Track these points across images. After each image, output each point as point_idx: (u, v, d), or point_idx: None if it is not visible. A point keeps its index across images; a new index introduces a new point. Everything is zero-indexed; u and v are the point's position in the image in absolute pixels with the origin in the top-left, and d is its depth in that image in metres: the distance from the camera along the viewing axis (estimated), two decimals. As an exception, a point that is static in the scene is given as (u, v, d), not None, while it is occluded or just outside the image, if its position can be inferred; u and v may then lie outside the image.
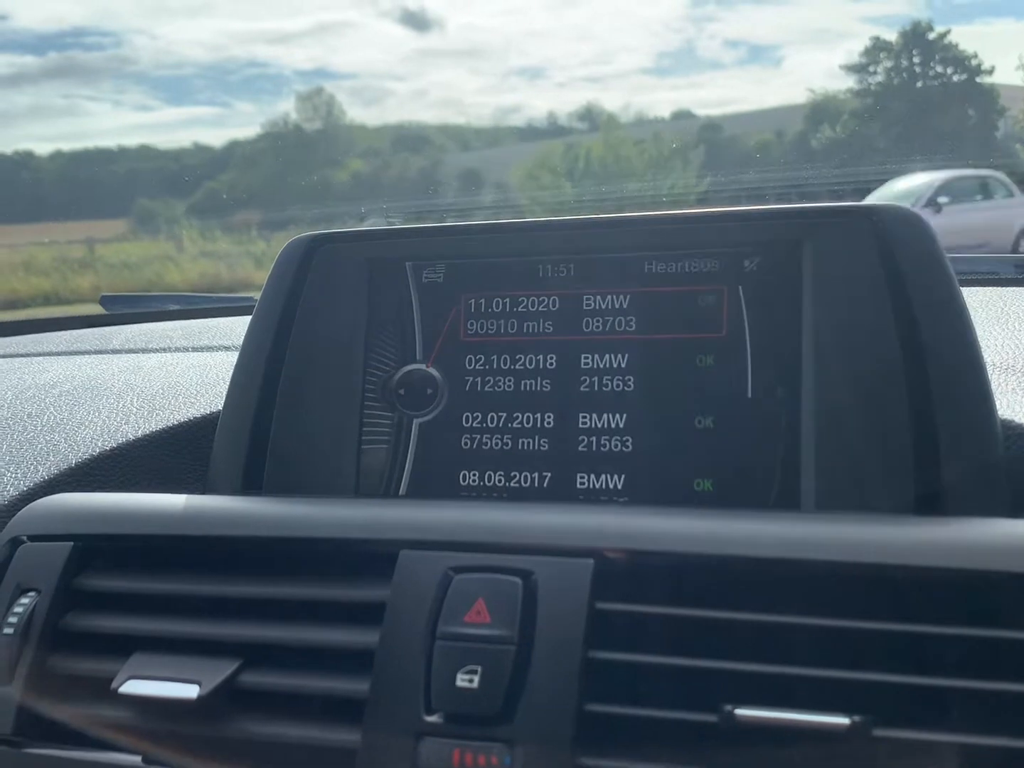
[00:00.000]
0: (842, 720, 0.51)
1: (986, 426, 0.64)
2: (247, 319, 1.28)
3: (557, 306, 0.75)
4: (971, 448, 0.63)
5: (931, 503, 0.63)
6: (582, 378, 0.73)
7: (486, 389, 0.75)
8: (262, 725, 0.59)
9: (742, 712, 0.52)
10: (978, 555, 0.54)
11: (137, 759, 0.61)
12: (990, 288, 1.05)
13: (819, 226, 0.68)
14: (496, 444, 0.74)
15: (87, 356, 1.12)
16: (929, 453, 0.64)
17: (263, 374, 0.76)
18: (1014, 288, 1.04)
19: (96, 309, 1.54)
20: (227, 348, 1.10)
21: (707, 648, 0.55)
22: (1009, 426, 0.66)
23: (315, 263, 0.77)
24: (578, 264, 0.74)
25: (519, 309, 0.75)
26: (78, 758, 0.62)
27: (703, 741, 0.53)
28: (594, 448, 0.72)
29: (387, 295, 0.77)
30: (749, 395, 0.70)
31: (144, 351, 1.13)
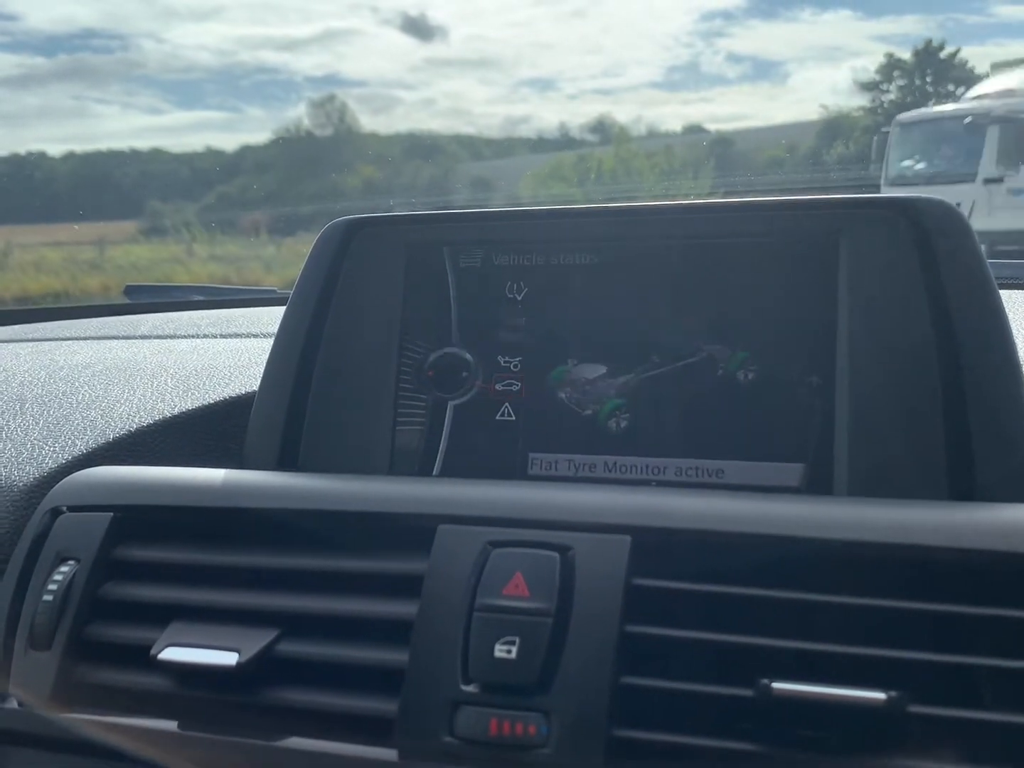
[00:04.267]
0: (878, 695, 0.51)
1: (1018, 417, 0.64)
2: (271, 309, 1.30)
3: (593, 292, 0.76)
4: (1003, 439, 0.64)
5: (963, 493, 0.64)
6: (618, 364, 0.74)
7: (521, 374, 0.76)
8: (301, 693, 0.60)
9: (779, 686, 0.53)
10: (1012, 537, 0.55)
11: (173, 725, 0.62)
12: (1015, 291, 1.05)
13: (857, 217, 0.69)
14: (528, 428, 0.75)
15: (117, 340, 1.14)
16: (961, 444, 0.64)
17: (300, 354, 0.77)
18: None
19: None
20: (255, 335, 1.11)
21: (742, 625, 0.56)
22: None
23: (353, 246, 0.78)
24: (618, 251, 0.75)
25: (555, 294, 0.76)
26: (114, 723, 0.63)
27: (738, 715, 0.54)
28: (627, 434, 0.73)
29: (424, 278, 0.78)
30: (784, 383, 0.70)
31: (173, 337, 1.14)
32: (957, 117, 10.94)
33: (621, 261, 0.75)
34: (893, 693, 0.51)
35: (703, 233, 0.74)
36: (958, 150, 10.80)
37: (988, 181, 10.08)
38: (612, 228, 0.75)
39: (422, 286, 0.78)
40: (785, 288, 0.71)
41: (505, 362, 0.76)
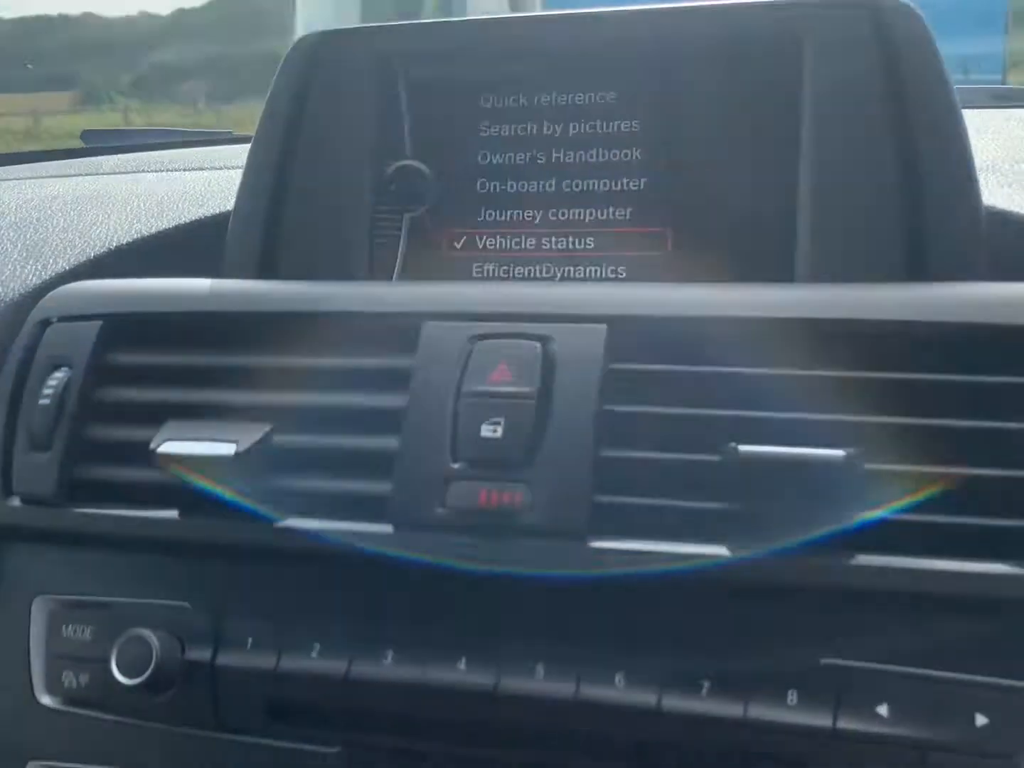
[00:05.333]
0: (837, 453, 0.55)
1: (971, 202, 0.68)
2: (232, 147, 1.30)
3: (551, 103, 0.77)
4: (957, 223, 0.67)
5: (919, 276, 0.68)
6: (571, 174, 0.76)
7: (483, 187, 0.78)
8: (298, 479, 0.63)
9: (744, 448, 0.57)
10: (963, 309, 0.59)
11: (173, 513, 0.65)
12: (967, 111, 1.08)
13: (820, 18, 0.70)
14: (492, 239, 0.78)
15: (82, 176, 1.13)
16: (918, 229, 0.68)
17: (276, 165, 0.77)
18: (990, 110, 1.08)
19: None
20: (221, 168, 1.11)
21: (710, 400, 0.60)
22: (990, 211, 0.71)
23: (323, 59, 0.79)
24: (574, 60, 0.76)
25: (518, 106, 0.78)
26: (116, 515, 0.66)
27: (709, 480, 0.58)
28: (591, 243, 0.76)
29: (394, 91, 0.79)
30: (750, 178, 0.73)
31: (138, 171, 1.14)
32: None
33: (577, 71, 0.76)
34: (851, 450, 0.55)
35: (672, 36, 0.75)
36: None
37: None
38: (569, 36, 0.75)
39: (392, 98, 0.79)
40: (749, 94, 0.73)
41: (467, 176, 0.78)
